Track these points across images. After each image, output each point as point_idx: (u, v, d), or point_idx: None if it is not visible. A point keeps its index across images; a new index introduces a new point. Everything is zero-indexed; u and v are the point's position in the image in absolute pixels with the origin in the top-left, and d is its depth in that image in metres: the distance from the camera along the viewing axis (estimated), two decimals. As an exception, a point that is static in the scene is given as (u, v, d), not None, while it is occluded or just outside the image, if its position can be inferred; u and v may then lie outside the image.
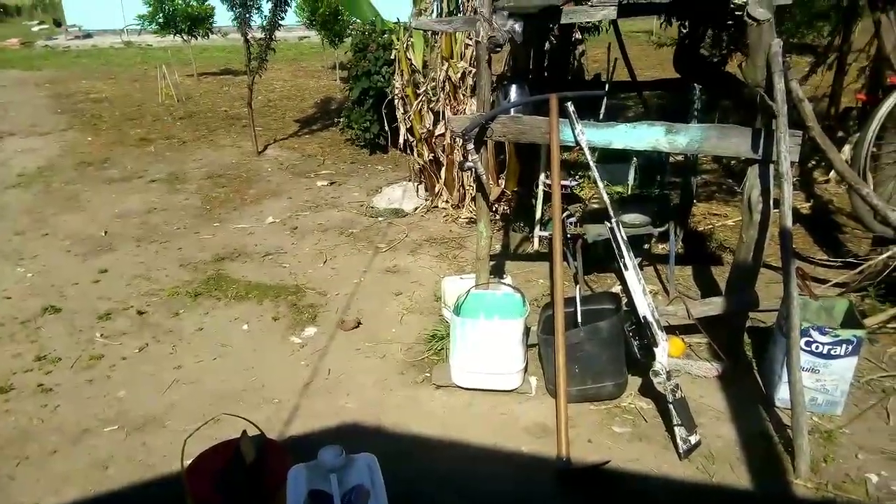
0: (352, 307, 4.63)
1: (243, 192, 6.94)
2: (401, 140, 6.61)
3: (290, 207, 6.52)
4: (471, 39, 5.95)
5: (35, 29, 23.43)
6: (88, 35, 20.74)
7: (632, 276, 3.31)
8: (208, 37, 13.32)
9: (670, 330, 3.68)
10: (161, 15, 12.41)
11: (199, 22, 12.78)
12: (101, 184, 7.14)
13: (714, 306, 3.83)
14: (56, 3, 23.11)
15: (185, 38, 12.88)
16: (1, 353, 4.07)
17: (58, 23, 22.19)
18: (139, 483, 3.09)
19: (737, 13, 3.24)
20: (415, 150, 6.59)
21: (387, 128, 7.10)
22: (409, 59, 6.43)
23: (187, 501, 2.60)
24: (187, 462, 2.68)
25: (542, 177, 5.13)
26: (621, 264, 3.36)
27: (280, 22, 7.74)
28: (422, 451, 3.26)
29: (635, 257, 3.43)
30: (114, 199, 6.67)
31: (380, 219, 6.25)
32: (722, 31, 5.49)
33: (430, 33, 6.21)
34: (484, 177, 3.69)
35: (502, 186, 6.24)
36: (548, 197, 5.21)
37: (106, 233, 5.84)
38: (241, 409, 3.51)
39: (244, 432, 2.63)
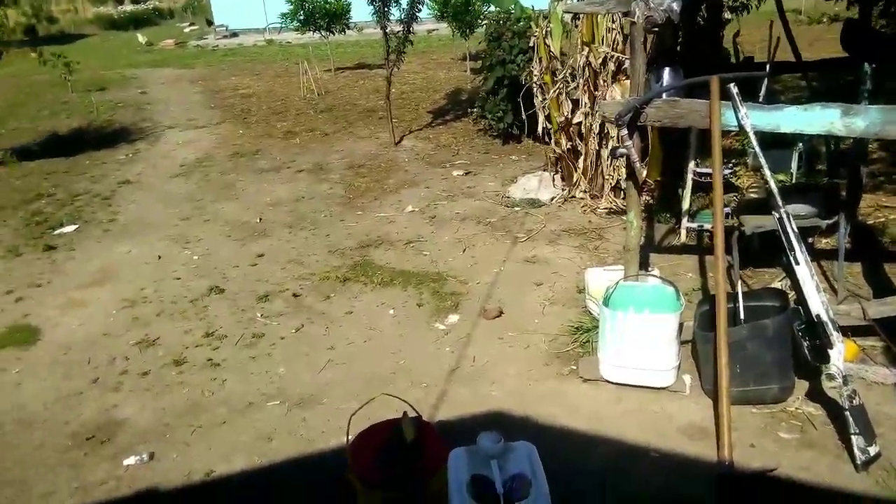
0: (493, 296, 4.64)
1: (383, 182, 7.15)
2: (539, 128, 6.54)
3: (427, 196, 6.65)
4: (614, 23, 5.78)
5: (186, 30, 25.34)
6: (234, 34, 22.15)
7: (804, 271, 3.09)
8: (344, 32, 13.81)
9: (840, 331, 3.40)
10: (301, 12, 13.01)
11: (336, 18, 13.27)
12: (253, 174, 7.61)
13: (895, 306, 3.49)
14: (205, 6, 24.87)
15: (322, 34, 13.43)
16: (174, 329, 4.43)
17: (210, 22, 23.84)
18: (300, 456, 3.26)
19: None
20: (552, 138, 6.51)
21: (523, 116, 7.05)
22: (548, 46, 6.34)
23: (349, 476, 2.71)
24: (349, 438, 2.78)
25: (691, 164, 4.91)
26: (791, 258, 3.13)
27: (417, 14, 7.88)
28: (571, 445, 3.21)
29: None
30: (265, 188, 7.09)
31: (516, 208, 6.22)
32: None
33: (570, 18, 6.08)
34: (637, 164, 3.56)
35: (644, 175, 6.02)
36: (697, 186, 4.98)
37: (261, 219, 6.22)
38: (391, 391, 3.59)
39: (405, 413, 2.70)
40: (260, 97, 11.69)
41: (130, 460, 3.25)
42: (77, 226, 6.25)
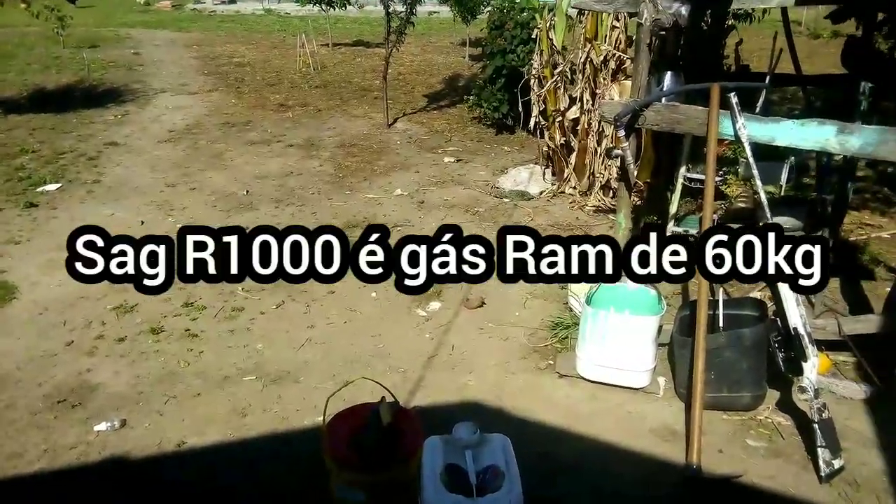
0: (476, 287, 4.64)
1: (373, 163, 7.11)
2: (532, 121, 6.53)
3: (417, 181, 6.62)
4: (618, 21, 5.77)
5: (185, -7, 24.89)
6: (233, 0, 21.83)
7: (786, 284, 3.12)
8: (345, 7, 13.68)
9: (815, 345, 3.45)
10: (304, -16, 12.88)
11: (338, -7, 13.15)
12: (243, 145, 7.53)
13: (869, 324, 3.55)
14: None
15: (323, 7, 13.28)
16: (153, 297, 4.38)
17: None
18: (274, 433, 3.26)
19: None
20: (546, 132, 6.50)
21: (519, 108, 7.04)
22: (550, 39, 6.31)
23: (324, 456, 2.72)
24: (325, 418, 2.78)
25: (682, 169, 4.92)
26: (774, 270, 3.16)
27: (422, -5, 7.82)
28: (545, 438, 3.24)
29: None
30: (254, 161, 7.03)
31: (505, 199, 6.23)
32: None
33: (575, 13, 6.06)
34: (632, 166, 3.58)
35: (635, 177, 6.04)
36: (687, 191, 5.00)
37: (248, 192, 6.17)
38: (369, 374, 3.59)
39: (383, 398, 2.70)
40: (255, 67, 11.55)
41: (101, 426, 3.22)
42: (60, 185, 6.16)
